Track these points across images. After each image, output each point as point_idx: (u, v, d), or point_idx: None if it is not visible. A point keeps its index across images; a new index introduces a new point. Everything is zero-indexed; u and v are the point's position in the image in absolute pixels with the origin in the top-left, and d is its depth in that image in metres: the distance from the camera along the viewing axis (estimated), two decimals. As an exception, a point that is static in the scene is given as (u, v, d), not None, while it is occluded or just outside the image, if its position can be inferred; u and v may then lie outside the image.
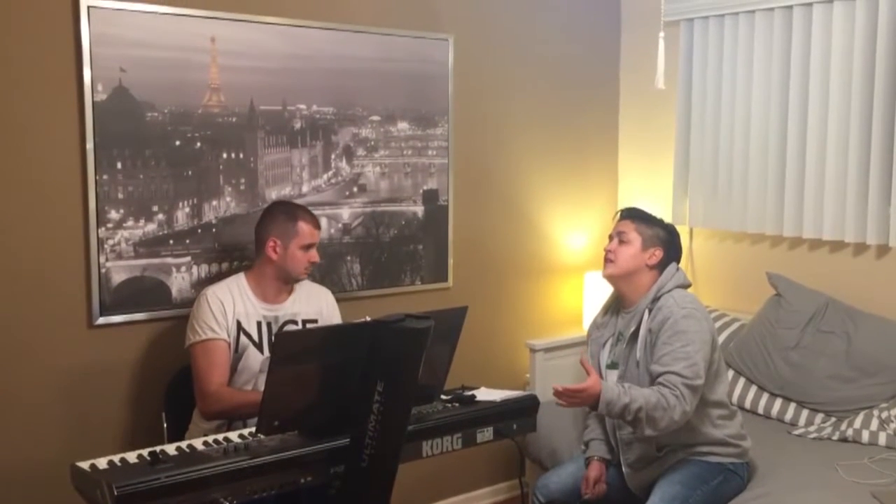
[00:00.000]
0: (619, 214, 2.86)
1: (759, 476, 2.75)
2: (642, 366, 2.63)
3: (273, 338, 2.76)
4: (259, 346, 2.75)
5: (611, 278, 2.77)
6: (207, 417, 2.65)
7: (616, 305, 2.84)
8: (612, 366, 2.74)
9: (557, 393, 2.47)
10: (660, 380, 2.51)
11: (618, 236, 2.76)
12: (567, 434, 3.25)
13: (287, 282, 2.82)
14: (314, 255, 2.81)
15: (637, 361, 2.65)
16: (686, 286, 2.72)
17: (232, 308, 2.73)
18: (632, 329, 2.68)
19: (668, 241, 2.77)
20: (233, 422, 2.61)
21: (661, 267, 2.73)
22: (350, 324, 2.33)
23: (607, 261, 2.76)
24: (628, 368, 2.68)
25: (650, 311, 2.65)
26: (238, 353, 2.73)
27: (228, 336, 2.71)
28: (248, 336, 2.74)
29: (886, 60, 3.19)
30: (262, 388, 2.64)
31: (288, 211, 2.81)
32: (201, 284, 2.92)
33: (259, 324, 2.77)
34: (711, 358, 2.61)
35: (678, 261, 2.78)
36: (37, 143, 2.72)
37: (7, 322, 2.71)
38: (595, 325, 2.89)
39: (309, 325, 2.84)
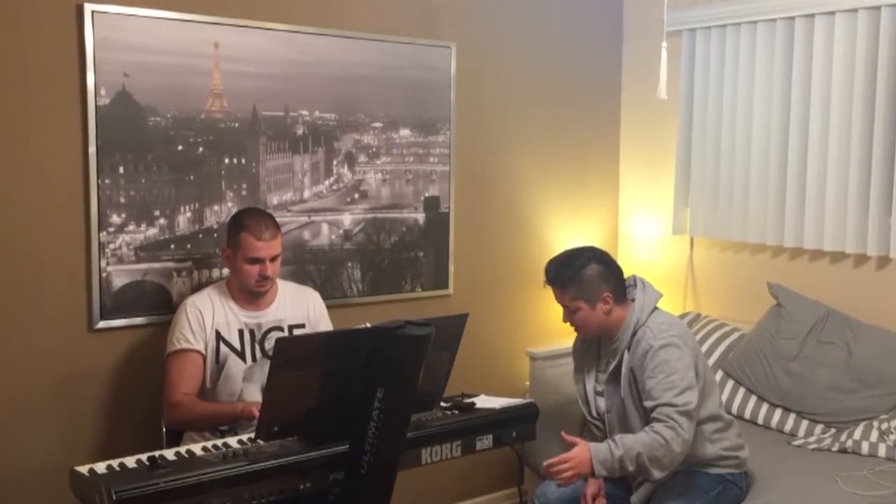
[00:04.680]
0: (545, 280, 2.70)
1: (759, 487, 2.74)
2: (628, 404, 2.59)
3: (257, 345, 2.75)
4: (241, 355, 2.74)
5: (589, 338, 2.73)
6: (169, 426, 2.67)
7: None
8: (601, 393, 2.71)
9: (548, 466, 2.42)
10: (653, 414, 2.47)
11: (565, 309, 2.65)
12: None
13: (248, 293, 2.75)
14: (265, 268, 2.68)
15: (622, 400, 2.61)
16: (657, 299, 2.66)
17: (211, 318, 2.72)
18: (613, 363, 2.63)
19: (605, 275, 2.62)
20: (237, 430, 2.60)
21: (619, 299, 2.63)
22: (350, 330, 2.32)
23: (575, 328, 2.69)
24: (613, 405, 2.65)
25: (629, 348, 2.59)
26: (219, 364, 2.72)
27: (206, 347, 2.70)
28: (229, 345, 2.73)
29: (888, 71, 3.20)
30: (246, 396, 2.66)
31: (237, 220, 2.73)
32: (201, 289, 2.91)
33: (241, 332, 2.75)
34: (696, 378, 2.56)
35: (622, 274, 2.68)
36: (39, 147, 2.73)
37: (7, 325, 2.71)
38: (577, 351, 2.82)
39: (296, 331, 2.82)
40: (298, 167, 3.24)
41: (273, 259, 2.72)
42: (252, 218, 2.73)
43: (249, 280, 2.71)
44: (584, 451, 2.44)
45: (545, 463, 2.44)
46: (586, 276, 2.61)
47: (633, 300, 2.65)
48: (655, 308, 2.64)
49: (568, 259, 2.68)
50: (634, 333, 2.59)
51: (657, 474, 2.45)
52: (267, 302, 2.81)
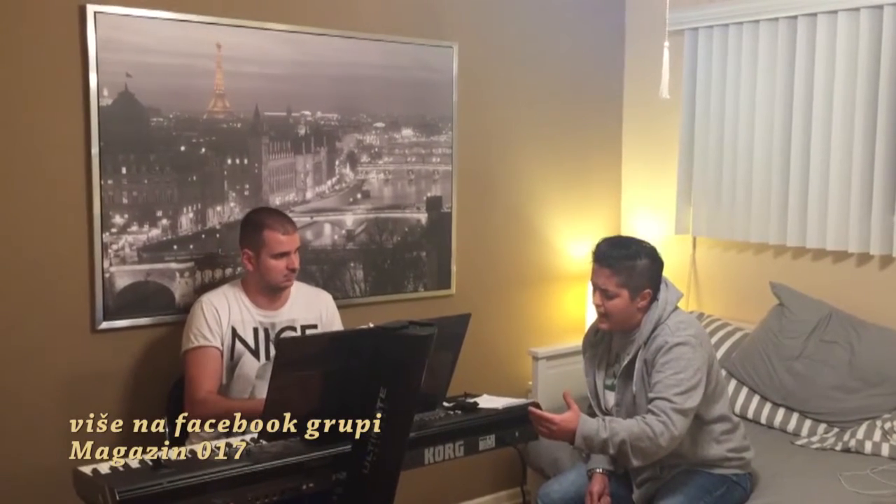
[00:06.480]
0: (593, 257, 2.65)
1: (762, 486, 2.74)
2: (640, 399, 2.59)
3: (271, 344, 2.76)
4: (255, 353, 2.74)
5: (611, 331, 2.70)
6: (191, 421, 2.66)
7: None
8: (611, 387, 2.71)
9: (536, 417, 2.44)
10: (650, 406, 2.49)
11: (602, 293, 2.61)
12: (569, 442, 3.24)
13: (271, 290, 2.78)
14: (292, 261, 2.74)
15: (633, 395, 2.61)
16: (679, 298, 2.67)
17: (227, 315, 2.73)
18: (628, 358, 2.63)
19: (653, 272, 2.61)
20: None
21: (653, 300, 2.62)
22: (353, 330, 2.33)
23: (601, 316, 2.64)
24: (624, 398, 2.65)
25: (646, 343, 2.59)
26: (234, 361, 2.72)
27: (222, 344, 2.71)
28: (244, 343, 2.74)
29: (890, 70, 3.19)
30: (258, 394, 2.67)
31: (255, 221, 2.77)
32: (204, 290, 2.92)
33: (256, 330, 2.76)
34: (709, 379, 2.57)
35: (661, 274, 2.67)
36: (42, 148, 2.73)
37: (10, 325, 2.71)
38: (589, 343, 2.82)
39: (308, 331, 2.83)
40: (301, 167, 3.24)
41: (296, 251, 2.77)
42: (270, 216, 2.78)
43: (278, 276, 2.73)
44: (572, 420, 2.44)
45: (534, 412, 2.44)
46: (639, 266, 2.60)
47: (656, 298, 2.65)
48: (676, 307, 2.65)
49: (626, 242, 2.67)
50: (654, 330, 2.59)
51: (636, 462, 2.47)
52: (281, 302, 2.82)
